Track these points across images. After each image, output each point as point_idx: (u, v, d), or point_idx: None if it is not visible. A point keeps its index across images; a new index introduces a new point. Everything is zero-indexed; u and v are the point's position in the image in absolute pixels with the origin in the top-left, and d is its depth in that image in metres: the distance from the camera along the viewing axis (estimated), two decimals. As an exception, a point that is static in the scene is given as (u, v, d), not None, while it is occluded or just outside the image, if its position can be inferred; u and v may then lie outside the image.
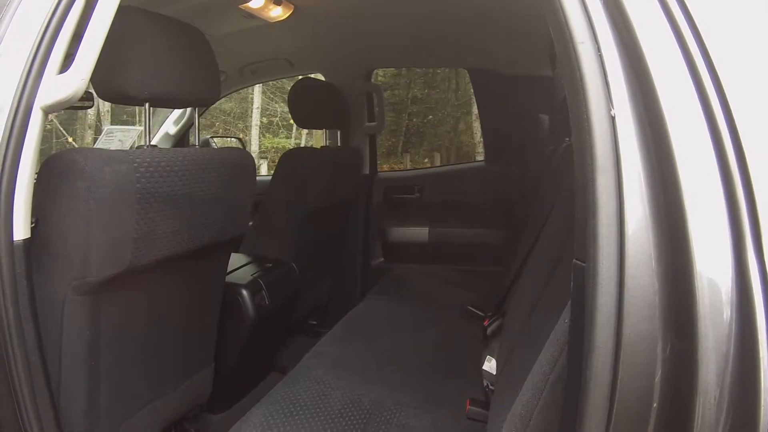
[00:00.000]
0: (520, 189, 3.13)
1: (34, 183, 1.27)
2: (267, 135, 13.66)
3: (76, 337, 1.59)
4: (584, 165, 0.89)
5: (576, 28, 0.93)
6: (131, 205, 1.52)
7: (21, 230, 1.23)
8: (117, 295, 1.65)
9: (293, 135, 13.35)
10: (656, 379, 0.84)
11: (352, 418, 1.78)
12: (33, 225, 1.28)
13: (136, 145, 2.37)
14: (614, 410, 0.87)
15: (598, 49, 0.90)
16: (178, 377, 2.10)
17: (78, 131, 11.77)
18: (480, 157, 3.62)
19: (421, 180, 3.67)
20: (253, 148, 12.72)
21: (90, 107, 2.86)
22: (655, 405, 0.84)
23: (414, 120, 12.34)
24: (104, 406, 1.75)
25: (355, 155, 3.37)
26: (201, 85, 1.81)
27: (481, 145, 3.67)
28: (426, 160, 12.62)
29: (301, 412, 1.78)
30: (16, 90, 1.21)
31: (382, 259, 3.63)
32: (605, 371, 0.87)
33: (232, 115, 13.23)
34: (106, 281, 1.55)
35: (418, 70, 9.27)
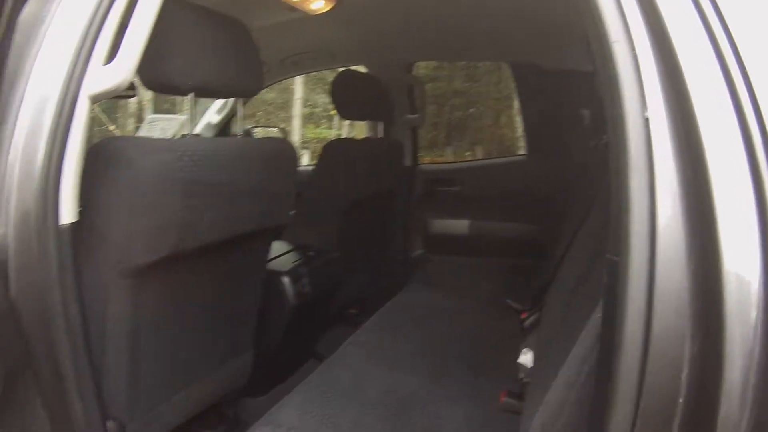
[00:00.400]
0: (560, 184, 3.13)
1: (81, 170, 1.29)
2: (308, 125, 13.70)
3: (119, 320, 1.62)
4: (618, 162, 0.90)
5: (611, 27, 0.93)
6: (175, 194, 1.55)
7: (67, 215, 1.25)
8: (160, 280, 1.68)
9: (335, 126, 13.37)
10: (683, 376, 0.85)
11: (387, 405, 1.81)
12: (79, 210, 1.30)
13: (178, 134, 2.41)
14: (641, 404, 0.88)
15: (633, 49, 0.91)
16: (218, 361, 2.13)
17: (119, 120, 11.90)
18: (522, 152, 3.64)
19: (462, 173, 3.68)
20: (295, 139, 12.74)
21: (133, 96, 2.90)
22: (680, 400, 0.86)
23: (456, 113, 12.28)
24: (145, 387, 1.79)
25: (396, 147, 3.37)
26: (244, 76, 1.83)
27: (523, 139, 3.65)
28: (468, 153, 12.56)
29: (337, 398, 1.82)
30: (64, 80, 1.23)
31: (423, 250, 3.64)
32: (634, 365, 0.88)
33: (273, 105, 13.27)
34: (150, 266, 1.59)
35: (460, 62, 9.21)
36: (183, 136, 1.78)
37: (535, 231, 3.30)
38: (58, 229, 1.26)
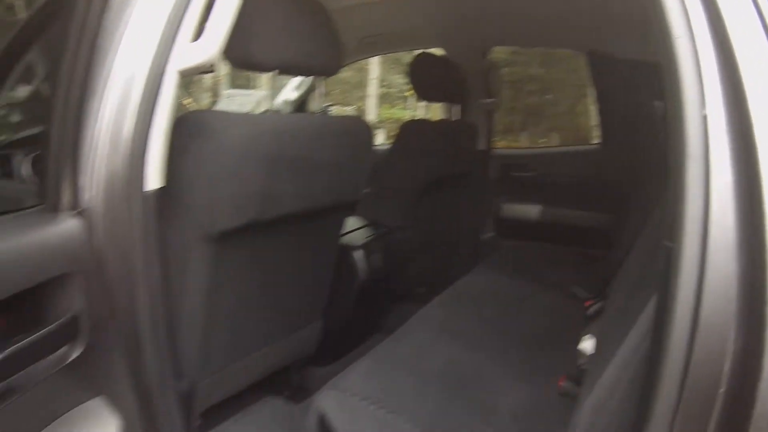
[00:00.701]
0: (631, 175, 3.11)
1: (167, 140, 1.36)
2: (383, 106, 13.73)
3: (198, 283, 1.70)
4: (676, 153, 0.94)
5: (674, 22, 0.96)
6: (255, 166, 1.62)
7: (153, 182, 1.32)
8: (238, 247, 1.76)
9: (410, 107, 13.36)
10: (725, 368, 0.88)
11: (449, 379, 1.84)
12: (164, 178, 1.37)
13: (255, 110, 2.48)
14: (685, 390, 0.92)
15: (694, 45, 0.93)
16: (289, 328, 2.21)
17: (194, 94, 12.11)
18: (596, 141, 3.61)
19: (536, 158, 3.67)
20: (370, 118, 12.77)
21: (212, 72, 3.00)
22: (721, 390, 0.89)
23: (532, 98, 12.17)
24: (217, 348, 1.87)
25: (471, 130, 3.38)
26: (324, 55, 1.88)
27: (598, 128, 3.63)
28: (543, 140, 12.45)
29: (401, 368, 1.86)
30: (153, 56, 1.30)
31: (493, 233, 3.66)
32: (680, 353, 0.92)
33: (349, 84, 13.33)
34: (230, 232, 1.66)
35: (536, 48, 9.10)
36: (264, 111, 1.85)
37: (605, 220, 3.27)
38: (144, 194, 1.32)
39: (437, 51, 3.51)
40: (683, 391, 0.92)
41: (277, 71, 1.77)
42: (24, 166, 2.29)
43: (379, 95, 13.42)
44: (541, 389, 1.80)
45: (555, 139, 12.14)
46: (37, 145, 2.46)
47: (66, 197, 1.27)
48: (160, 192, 1.36)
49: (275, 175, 1.70)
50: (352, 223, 2.73)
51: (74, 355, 1.25)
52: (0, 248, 1.13)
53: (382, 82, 13.44)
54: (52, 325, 1.20)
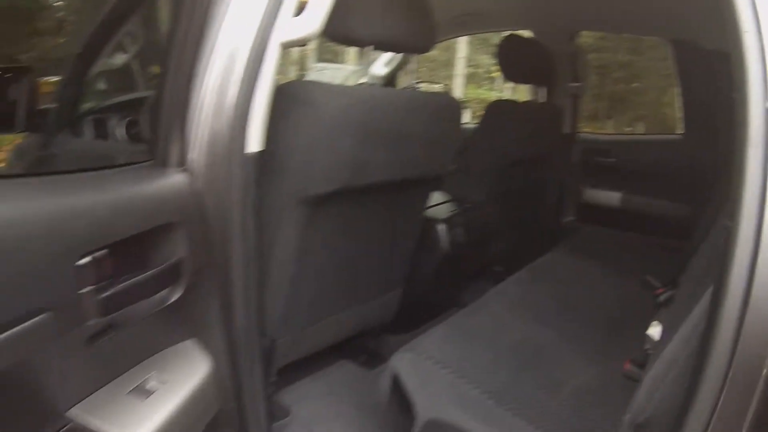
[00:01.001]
0: (713, 165, 3.08)
1: (268, 107, 1.45)
2: (470, 85, 13.66)
3: (288, 244, 1.79)
4: (740, 139, 1.00)
5: (743, 17, 1.01)
6: (350, 135, 1.71)
7: (253, 145, 1.41)
8: (329, 212, 1.85)
9: (496, 88, 13.26)
10: None
11: (522, 353, 1.90)
12: (264, 142, 1.46)
13: (344, 83, 2.55)
14: (733, 364, 0.98)
15: (761, 40, 0.99)
16: (370, 294, 2.29)
17: (281, 66, 12.26)
18: (680, 131, 3.56)
19: (619, 145, 3.64)
20: (456, 97, 12.74)
21: (304, 45, 3.08)
22: (764, 372, 0.95)
23: (619, 86, 11.94)
24: (300, 308, 1.96)
25: (557, 113, 3.40)
26: (419, 33, 1.96)
27: (683, 118, 3.58)
28: (628, 129, 12.23)
29: (476, 339, 1.92)
30: (256, 29, 1.39)
31: (573, 217, 3.66)
32: (732, 324, 0.97)
33: (436, 62, 13.30)
34: (322, 197, 1.75)
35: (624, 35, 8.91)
36: (359, 84, 1.92)
37: (684, 211, 3.25)
38: (244, 156, 1.41)
39: (525, 33, 3.53)
40: (731, 366, 0.98)
41: (372, 47, 1.84)
42: (118, 129, 2.44)
43: (465, 75, 13.35)
44: (607, 370, 1.84)
45: (640, 128, 11.92)
46: (131, 110, 2.62)
47: (174, 155, 1.38)
48: (259, 155, 1.45)
49: (367, 145, 1.78)
50: (437, 197, 2.77)
51: (174, 298, 1.35)
52: (115, 197, 1.24)
53: (469, 62, 13.36)
54: (157, 269, 1.31)
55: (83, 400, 1.20)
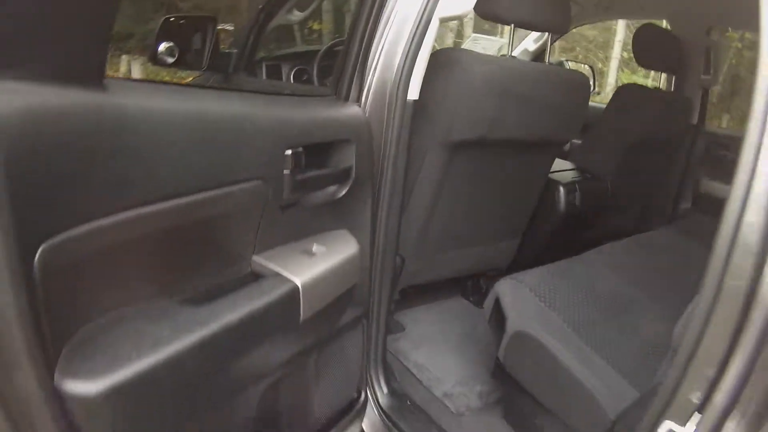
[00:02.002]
0: None
1: (425, 67, 1.80)
2: (625, 70, 13.29)
3: (428, 182, 2.11)
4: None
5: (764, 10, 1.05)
6: (491, 96, 2.01)
7: (412, 94, 1.77)
8: (466, 158, 2.14)
9: (651, 75, 12.87)
10: None
11: (609, 301, 2.05)
12: (420, 94, 1.82)
13: (498, 54, 2.83)
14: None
15: None
16: (491, 237, 2.52)
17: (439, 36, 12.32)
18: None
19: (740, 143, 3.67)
20: (610, 81, 12.47)
21: (459, 20, 3.37)
22: None
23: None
24: (431, 238, 2.25)
25: (685, 103, 3.42)
26: (555, 15, 2.22)
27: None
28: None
29: (572, 282, 2.08)
30: (422, 5, 1.73)
31: (690, 205, 3.67)
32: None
33: (593, 43, 13.05)
34: (462, 144, 2.06)
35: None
36: (503, 55, 2.23)
37: None
38: (406, 101, 1.76)
39: (662, 23, 3.66)
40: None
41: (513, 25, 2.15)
42: (290, 75, 2.97)
43: (622, 59, 13.01)
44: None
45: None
46: (302, 60, 3.12)
47: (353, 93, 1.76)
48: (414, 103, 1.80)
49: (503, 105, 2.06)
50: (561, 164, 2.96)
51: (341, 194, 1.70)
52: (313, 115, 1.64)
53: (627, 46, 13.01)
54: (333, 169, 1.68)
55: (266, 251, 1.53)
